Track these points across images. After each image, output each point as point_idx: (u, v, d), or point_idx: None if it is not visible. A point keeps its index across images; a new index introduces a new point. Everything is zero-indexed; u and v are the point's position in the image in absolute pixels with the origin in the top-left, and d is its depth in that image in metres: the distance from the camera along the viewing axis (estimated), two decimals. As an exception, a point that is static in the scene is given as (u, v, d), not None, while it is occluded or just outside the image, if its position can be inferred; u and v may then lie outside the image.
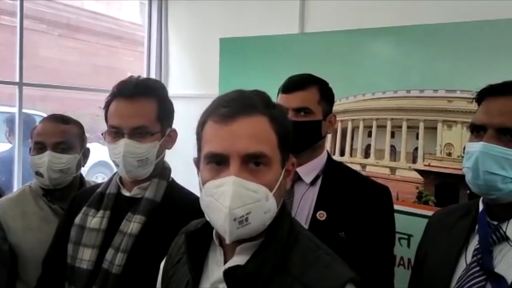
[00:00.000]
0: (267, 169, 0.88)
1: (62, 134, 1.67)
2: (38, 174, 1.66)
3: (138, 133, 1.33)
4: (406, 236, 1.97)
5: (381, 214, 1.43)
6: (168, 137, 1.43)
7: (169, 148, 1.46)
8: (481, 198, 1.15)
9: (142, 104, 1.35)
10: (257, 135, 0.88)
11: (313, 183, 1.48)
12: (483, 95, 1.12)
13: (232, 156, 0.86)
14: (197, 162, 0.96)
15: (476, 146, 1.06)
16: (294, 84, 1.50)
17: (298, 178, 1.49)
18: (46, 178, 1.64)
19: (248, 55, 2.65)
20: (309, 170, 1.49)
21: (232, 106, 0.89)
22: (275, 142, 0.90)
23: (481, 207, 1.15)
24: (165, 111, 1.41)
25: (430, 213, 1.92)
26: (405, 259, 2.01)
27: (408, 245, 1.97)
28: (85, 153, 1.78)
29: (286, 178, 0.95)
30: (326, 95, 1.51)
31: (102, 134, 1.40)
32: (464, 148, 1.86)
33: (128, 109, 1.33)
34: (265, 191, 0.87)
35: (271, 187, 0.88)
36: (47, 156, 1.63)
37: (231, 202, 0.84)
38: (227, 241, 0.88)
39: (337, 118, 1.57)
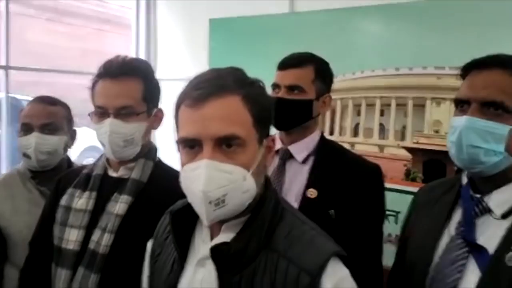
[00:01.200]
0: (242, 149, 0.87)
1: (49, 116, 1.66)
2: (25, 155, 1.65)
3: (123, 113, 1.32)
4: (394, 213, 1.98)
5: (371, 193, 1.44)
6: (155, 117, 1.42)
7: (155, 128, 1.45)
8: (465, 172, 1.16)
9: (127, 83, 1.33)
10: (228, 117, 0.86)
11: (305, 161, 1.48)
12: (467, 70, 1.11)
13: (205, 140, 0.85)
14: (178, 144, 0.95)
15: (460, 120, 1.06)
16: (289, 61, 1.48)
17: (290, 156, 1.49)
18: (33, 159, 1.63)
19: (238, 36, 2.62)
20: (302, 148, 1.49)
21: (203, 88, 0.87)
22: (250, 121, 0.89)
23: (464, 180, 1.15)
24: (151, 91, 1.39)
25: (417, 189, 1.95)
26: (393, 235, 2.03)
27: (396, 222, 1.99)
28: (73, 135, 1.77)
29: (268, 155, 0.95)
30: (322, 75, 1.49)
31: (88, 115, 1.39)
32: (452, 125, 1.89)
33: (113, 89, 1.32)
34: (241, 171, 0.86)
35: (248, 166, 0.87)
36: (34, 138, 1.62)
37: (205, 185, 0.84)
38: (205, 224, 0.88)
39: (326, 97, 1.56)
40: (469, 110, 1.05)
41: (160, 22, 3.32)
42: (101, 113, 1.33)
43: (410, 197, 1.92)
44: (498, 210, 1.06)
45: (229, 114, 0.87)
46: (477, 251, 1.04)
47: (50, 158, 1.67)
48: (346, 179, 1.42)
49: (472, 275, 1.03)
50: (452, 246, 1.09)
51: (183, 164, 0.89)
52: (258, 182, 0.90)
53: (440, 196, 1.21)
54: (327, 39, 2.18)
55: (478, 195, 1.10)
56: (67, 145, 1.74)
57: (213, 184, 0.84)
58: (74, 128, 1.79)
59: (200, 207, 0.86)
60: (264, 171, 0.95)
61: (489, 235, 1.05)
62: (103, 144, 1.35)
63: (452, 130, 1.08)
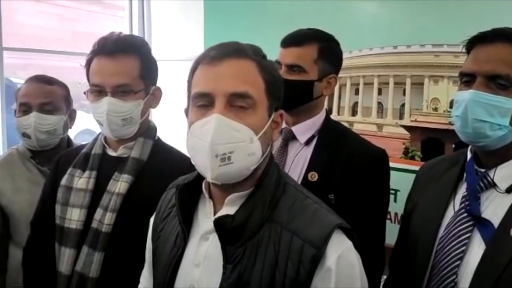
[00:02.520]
0: (252, 111, 0.88)
1: (48, 95, 1.65)
2: (25, 135, 1.65)
3: (121, 91, 1.31)
4: (393, 191, 1.99)
5: (376, 179, 1.40)
6: (152, 96, 1.40)
7: (154, 107, 1.44)
8: (469, 147, 1.16)
9: (124, 61, 1.32)
10: (243, 76, 0.88)
11: (308, 143, 1.44)
12: (472, 44, 1.10)
13: (217, 95, 0.87)
14: (186, 110, 0.96)
15: (465, 94, 1.05)
16: (291, 39, 1.43)
17: (292, 137, 1.46)
18: (33, 139, 1.63)
19: (233, 16, 2.59)
20: (304, 129, 1.45)
21: (221, 49, 0.90)
22: (262, 86, 0.91)
23: (469, 155, 1.16)
24: (148, 69, 1.37)
25: (416, 168, 1.94)
26: (392, 214, 2.04)
27: (395, 200, 2.00)
28: (72, 115, 1.76)
29: (274, 130, 0.96)
30: (327, 54, 1.42)
31: (84, 93, 1.37)
32: (450, 103, 1.90)
33: (109, 66, 1.30)
34: (250, 133, 0.88)
35: (256, 130, 0.89)
36: (33, 117, 1.61)
37: (213, 137, 0.85)
38: (209, 179, 0.89)
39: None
40: (474, 84, 1.05)
41: (154, 2, 3.26)
42: (97, 92, 1.32)
43: (409, 175, 1.96)
44: (503, 185, 1.07)
45: (244, 74, 0.89)
46: (482, 224, 1.05)
47: (50, 138, 1.66)
48: (349, 164, 1.37)
49: (477, 248, 1.04)
50: (457, 220, 1.10)
51: (191, 123, 0.90)
52: (263, 149, 0.91)
53: (444, 171, 1.22)
54: (323, 18, 2.14)
55: (482, 170, 1.10)
56: (67, 125, 1.74)
57: (221, 138, 0.85)
58: (73, 108, 1.77)
59: (205, 161, 0.87)
60: (269, 143, 0.95)
61: (493, 209, 1.06)
62: (100, 123, 1.34)
63: (457, 104, 1.08)
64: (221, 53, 0.89)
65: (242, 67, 0.89)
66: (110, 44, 1.31)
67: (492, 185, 1.08)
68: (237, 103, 0.87)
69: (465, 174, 1.14)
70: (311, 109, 1.45)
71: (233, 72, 0.88)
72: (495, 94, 1.03)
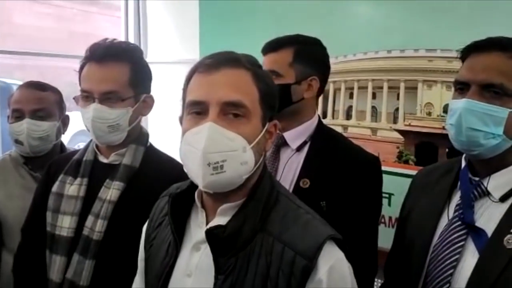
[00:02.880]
0: (246, 121, 0.89)
1: (40, 101, 1.64)
2: (17, 142, 1.64)
3: (108, 98, 1.30)
4: (386, 195, 2.00)
5: (367, 187, 1.38)
6: (144, 103, 1.39)
7: (145, 114, 1.42)
8: (464, 155, 1.16)
9: (113, 68, 1.31)
10: (238, 85, 0.89)
11: (299, 149, 1.43)
12: (467, 52, 1.11)
13: (211, 104, 0.87)
14: (181, 118, 0.96)
15: (460, 103, 1.06)
16: (268, 46, 1.43)
17: (284, 143, 1.45)
18: (26, 146, 1.62)
19: (228, 17, 2.58)
20: (296, 135, 1.44)
21: (216, 58, 0.91)
22: (257, 96, 0.91)
23: (463, 164, 1.16)
24: (139, 76, 1.36)
25: (410, 172, 1.96)
26: (386, 217, 2.05)
27: (389, 204, 2.00)
28: (64, 121, 1.76)
29: (268, 140, 0.96)
30: (304, 56, 1.40)
31: (74, 98, 1.37)
32: (444, 107, 1.90)
33: (98, 73, 1.30)
34: (242, 142, 0.88)
35: (249, 139, 0.89)
36: (25, 124, 1.61)
37: (205, 145, 0.85)
38: (201, 187, 0.89)
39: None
40: (469, 93, 1.05)
41: (149, 3, 3.25)
42: (86, 97, 1.32)
43: (402, 180, 1.97)
44: (497, 193, 1.07)
45: (238, 83, 0.89)
46: (476, 233, 1.05)
47: (43, 144, 1.66)
48: (341, 170, 1.36)
49: (470, 256, 1.05)
50: (450, 228, 1.10)
51: (185, 131, 0.91)
52: (256, 158, 0.91)
53: (439, 178, 1.22)
54: (317, 21, 2.15)
55: (476, 178, 1.11)
56: (60, 131, 1.73)
57: (214, 146, 0.85)
58: (67, 113, 1.77)
59: (197, 169, 0.87)
60: (262, 153, 0.95)
61: (487, 218, 1.06)
62: (88, 129, 1.34)
63: (452, 112, 1.09)
64: (216, 62, 0.90)
65: (236, 76, 0.90)
66: (101, 50, 1.31)
67: (486, 193, 1.08)
68: (230, 112, 0.87)
69: (459, 183, 1.15)
70: (297, 113, 1.43)
71: (228, 81, 0.89)
72: (489, 103, 1.03)
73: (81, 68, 1.35)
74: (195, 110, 0.89)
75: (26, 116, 1.62)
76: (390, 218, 2.04)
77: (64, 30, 5.72)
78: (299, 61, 1.40)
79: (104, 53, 1.31)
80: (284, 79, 1.39)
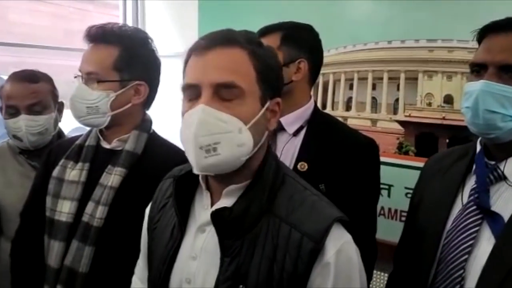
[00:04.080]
0: (241, 101, 0.87)
1: (35, 95, 1.60)
2: (16, 137, 1.61)
3: (90, 79, 1.31)
4: (386, 186, 1.99)
5: (365, 168, 1.40)
6: (133, 90, 1.35)
7: (136, 103, 1.37)
8: (479, 139, 1.14)
9: (99, 50, 1.32)
10: (231, 66, 0.87)
11: (296, 133, 1.44)
12: (484, 33, 1.08)
13: (204, 86, 0.86)
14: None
15: (476, 85, 1.03)
16: (258, 32, 1.43)
17: (280, 128, 1.45)
18: (25, 141, 1.60)
19: (227, 12, 2.58)
20: (292, 120, 1.45)
21: (211, 38, 0.89)
22: (253, 76, 0.89)
23: (478, 148, 1.13)
24: (129, 61, 1.33)
25: (410, 163, 1.96)
26: (386, 209, 2.04)
27: (389, 195, 2.00)
28: (60, 108, 1.73)
29: (271, 119, 0.94)
30: (291, 39, 1.41)
31: (75, 77, 1.36)
32: (444, 98, 1.90)
33: (87, 54, 1.32)
34: (238, 123, 0.86)
35: (246, 120, 0.87)
36: (22, 121, 1.57)
37: (196, 129, 0.84)
38: (195, 171, 0.88)
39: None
40: (486, 74, 1.03)
41: (148, 3, 3.24)
42: (80, 78, 1.33)
43: (402, 171, 1.97)
44: None
45: (232, 63, 0.87)
46: (492, 218, 1.03)
47: (42, 138, 1.63)
48: (338, 153, 1.38)
49: (486, 242, 1.02)
50: (465, 213, 1.07)
51: (182, 114, 0.89)
52: (256, 139, 0.89)
53: (452, 164, 1.19)
54: (317, 13, 2.14)
55: (492, 162, 1.08)
56: (57, 121, 1.71)
57: (205, 129, 0.84)
58: (61, 100, 1.74)
59: (191, 153, 0.86)
60: (264, 133, 0.93)
61: (503, 202, 1.03)
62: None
63: (467, 95, 1.06)
64: (210, 42, 0.88)
65: (230, 56, 0.88)
66: (92, 32, 1.33)
67: (503, 178, 1.05)
68: (224, 93, 0.86)
69: (474, 167, 1.12)
70: (289, 96, 1.40)
71: (220, 62, 0.87)
72: (507, 85, 1.01)
73: None
74: (190, 93, 0.88)
75: (21, 112, 1.58)
76: (389, 209, 2.03)
77: (60, 28, 5.69)
78: (286, 44, 1.41)
79: (94, 35, 1.32)
80: None
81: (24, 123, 1.57)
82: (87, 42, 1.33)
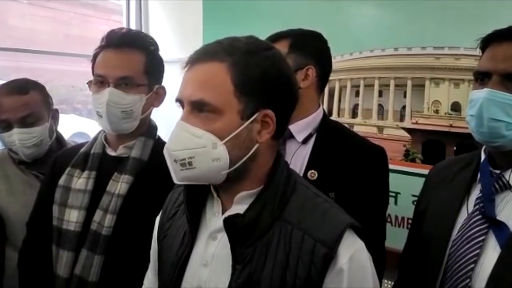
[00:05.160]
0: (216, 116, 0.86)
1: (26, 107, 1.56)
2: (12, 151, 1.59)
3: (124, 83, 1.29)
4: (393, 194, 1.98)
5: (375, 177, 1.40)
6: (156, 94, 1.38)
7: (157, 106, 1.41)
8: (483, 148, 1.14)
9: (129, 54, 1.31)
10: (202, 82, 0.87)
11: (305, 141, 1.43)
12: (487, 41, 1.09)
13: (184, 102, 0.89)
14: None
15: (481, 93, 1.04)
16: (267, 39, 1.44)
17: (290, 136, 1.44)
18: (21, 155, 1.57)
19: (232, 16, 2.57)
20: (302, 128, 1.44)
21: (198, 52, 0.90)
22: (229, 90, 0.86)
23: (483, 156, 1.14)
24: (153, 65, 1.36)
25: (417, 170, 1.95)
26: (392, 217, 2.03)
27: (396, 203, 1.99)
28: (54, 116, 1.68)
29: (262, 131, 0.90)
30: (299, 46, 1.42)
31: (87, 83, 1.34)
32: (451, 105, 1.89)
33: (115, 58, 1.30)
34: (211, 138, 0.86)
35: (221, 135, 0.86)
36: (16, 134, 1.53)
37: (170, 143, 0.89)
38: (175, 181, 0.91)
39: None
40: (490, 83, 1.03)
41: (151, 4, 3.23)
42: (100, 82, 1.30)
43: (409, 178, 1.96)
44: None
45: (204, 79, 0.87)
46: (497, 227, 1.03)
47: (38, 149, 1.59)
48: (348, 161, 1.37)
49: (492, 251, 1.02)
50: (471, 222, 1.07)
51: None
52: (235, 153, 0.87)
53: (457, 172, 1.19)
54: (323, 20, 2.13)
55: (497, 171, 1.08)
56: (52, 129, 1.65)
57: (178, 144, 0.87)
58: (55, 107, 1.69)
59: (168, 165, 0.90)
60: (253, 146, 0.89)
61: (509, 211, 1.03)
62: (100, 115, 1.31)
63: (472, 103, 1.06)
64: (195, 58, 0.89)
65: (205, 72, 0.87)
66: (117, 37, 1.31)
67: (508, 186, 1.06)
68: (199, 109, 0.87)
69: (479, 175, 1.12)
70: (297, 103, 1.41)
71: (195, 78, 0.88)
72: (511, 93, 1.01)
73: (95, 56, 1.34)
74: (181, 108, 0.91)
75: (14, 126, 1.54)
76: (396, 217, 2.02)
77: (60, 33, 5.68)
78: (294, 51, 1.40)
79: (121, 40, 1.31)
80: None
81: (17, 136, 1.53)
82: (110, 47, 1.31)
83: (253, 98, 0.88)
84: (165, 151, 0.90)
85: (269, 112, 0.90)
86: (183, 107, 0.90)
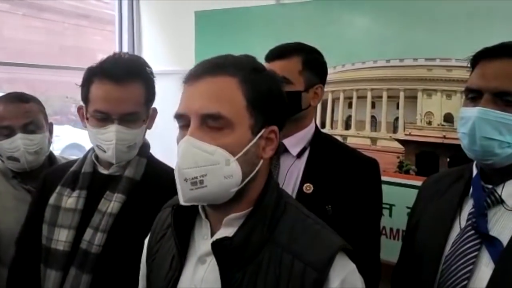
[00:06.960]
0: (228, 131, 0.84)
1: (28, 114, 1.59)
2: (11, 158, 1.58)
3: (128, 119, 1.27)
4: (388, 206, 1.97)
5: (369, 187, 1.41)
6: (150, 117, 1.38)
7: (150, 128, 1.41)
8: (475, 162, 1.14)
9: (131, 88, 1.27)
10: (216, 95, 0.84)
11: (299, 155, 1.44)
12: (477, 58, 1.08)
13: (192, 116, 0.84)
14: None
15: (473, 111, 1.03)
16: (275, 53, 1.44)
17: (284, 150, 1.45)
18: (23, 161, 1.57)
19: (224, 28, 2.57)
20: (296, 142, 1.45)
21: (201, 66, 0.87)
22: (242, 104, 0.85)
23: (474, 171, 1.13)
24: (151, 93, 1.35)
25: (411, 182, 1.94)
26: (387, 229, 2.02)
27: (390, 215, 1.98)
28: (50, 129, 1.72)
29: (266, 147, 0.90)
30: (311, 65, 1.44)
31: (78, 111, 1.32)
32: (444, 116, 1.89)
33: (116, 94, 1.25)
34: (224, 154, 0.83)
35: (233, 151, 0.84)
36: (20, 140, 1.55)
37: (181, 161, 0.82)
38: (181, 202, 0.85)
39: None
40: (482, 101, 1.03)
41: (144, 15, 3.23)
42: (103, 118, 1.26)
43: (403, 190, 1.95)
44: (511, 201, 1.04)
45: (218, 92, 0.84)
46: (490, 242, 1.02)
47: (38, 158, 1.62)
48: (342, 173, 1.38)
49: (485, 267, 1.01)
50: (463, 237, 1.07)
51: (177, 142, 0.87)
52: (246, 170, 0.86)
53: (449, 186, 1.19)
54: (315, 32, 2.14)
55: (490, 186, 1.08)
56: (49, 141, 1.70)
57: (189, 162, 0.82)
58: (50, 121, 1.73)
59: (177, 184, 0.84)
60: (259, 162, 0.89)
61: (502, 226, 1.03)
62: (102, 150, 1.29)
63: (464, 121, 1.06)
64: (200, 71, 0.86)
65: (217, 85, 0.85)
66: (118, 70, 1.26)
67: (500, 201, 1.05)
68: (211, 123, 0.83)
69: (471, 190, 1.12)
70: (300, 120, 1.45)
71: (206, 91, 0.84)
72: (503, 111, 1.01)
73: (88, 82, 1.29)
74: (181, 124, 0.87)
75: (17, 132, 1.56)
76: (391, 229, 2.01)
77: (55, 44, 5.68)
78: (307, 70, 1.43)
79: (120, 73, 1.25)
80: (294, 86, 1.41)
81: (22, 142, 1.55)
82: (109, 80, 1.25)
83: (262, 114, 0.88)
84: (175, 171, 0.84)
85: (275, 128, 0.90)
86: (183, 123, 0.86)
